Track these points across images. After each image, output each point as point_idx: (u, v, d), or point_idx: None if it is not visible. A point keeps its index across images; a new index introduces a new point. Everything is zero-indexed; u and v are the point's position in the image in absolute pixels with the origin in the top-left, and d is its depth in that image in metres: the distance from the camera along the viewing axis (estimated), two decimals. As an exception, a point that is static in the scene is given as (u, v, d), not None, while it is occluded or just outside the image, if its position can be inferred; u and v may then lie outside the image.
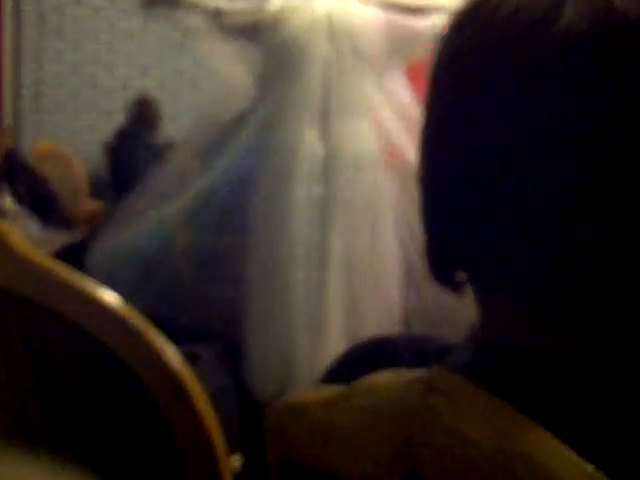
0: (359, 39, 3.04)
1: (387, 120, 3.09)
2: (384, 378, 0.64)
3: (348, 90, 3.03)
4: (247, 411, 1.99)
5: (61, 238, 4.42)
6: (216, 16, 3.21)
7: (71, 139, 6.75)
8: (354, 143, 3.01)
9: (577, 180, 0.57)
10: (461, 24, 0.66)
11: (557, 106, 0.58)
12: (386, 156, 3.08)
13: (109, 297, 1.15)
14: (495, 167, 0.60)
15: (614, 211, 0.57)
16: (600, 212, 0.57)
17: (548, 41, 0.58)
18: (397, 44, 3.11)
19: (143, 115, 6.37)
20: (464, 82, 0.64)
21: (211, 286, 3.14)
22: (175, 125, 6.55)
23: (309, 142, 2.96)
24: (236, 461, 1.51)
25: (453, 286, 0.69)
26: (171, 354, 1.14)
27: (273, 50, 3.06)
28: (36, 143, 6.30)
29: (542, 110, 0.58)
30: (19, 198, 4.71)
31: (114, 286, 1.17)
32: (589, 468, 0.52)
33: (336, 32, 3.02)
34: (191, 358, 1.99)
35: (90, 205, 6.11)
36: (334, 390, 0.69)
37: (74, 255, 3.73)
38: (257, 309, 2.98)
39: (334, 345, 2.75)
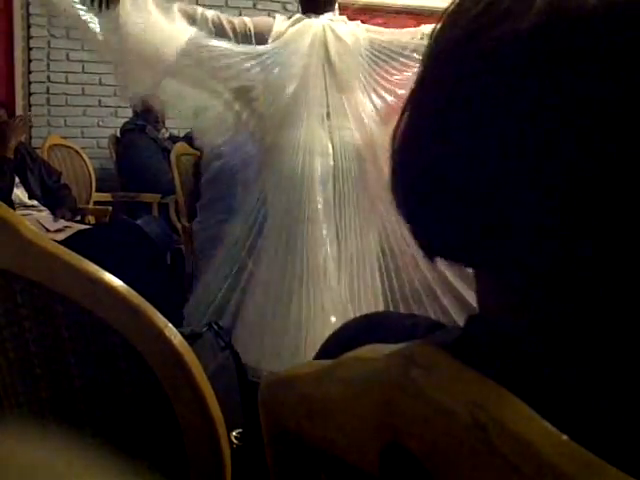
0: (348, 48, 3.17)
1: (371, 121, 3.22)
2: (368, 351, 0.63)
3: (345, 93, 3.14)
4: (247, 389, 1.99)
5: (71, 229, 4.43)
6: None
7: (79, 134, 6.75)
8: (356, 138, 3.11)
9: (548, 153, 0.56)
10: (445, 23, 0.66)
11: (519, 89, 0.58)
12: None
13: (112, 279, 1.15)
14: (471, 151, 0.60)
15: (586, 188, 0.56)
16: (571, 190, 0.56)
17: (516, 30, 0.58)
18: (377, 56, 3.25)
19: (149, 110, 6.36)
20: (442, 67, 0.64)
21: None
22: (179, 121, 6.56)
23: (321, 138, 3.05)
24: (235, 437, 1.51)
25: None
26: (171, 332, 1.14)
27: (279, 63, 3.13)
28: (47, 138, 6.30)
29: (506, 92, 0.58)
30: (31, 191, 4.71)
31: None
32: (563, 437, 0.51)
33: (329, 44, 3.15)
34: (192, 337, 1.99)
35: (97, 197, 6.12)
36: (322, 363, 0.69)
37: (83, 243, 3.74)
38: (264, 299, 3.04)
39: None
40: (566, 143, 0.56)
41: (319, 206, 3.01)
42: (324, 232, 3.00)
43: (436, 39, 0.67)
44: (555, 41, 0.56)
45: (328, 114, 3.11)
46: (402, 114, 0.68)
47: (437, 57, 0.66)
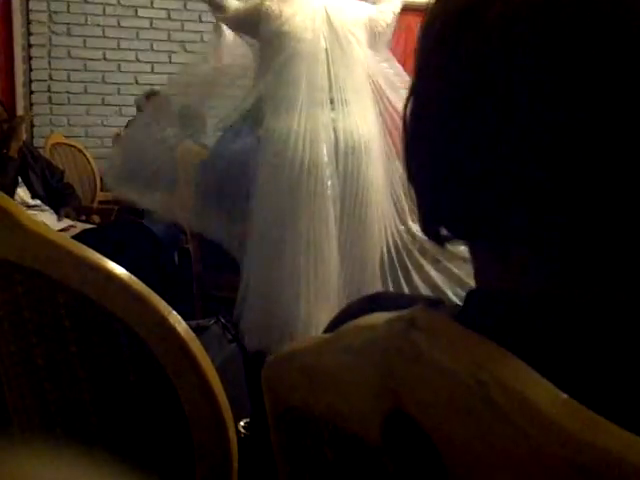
0: (353, 29, 3.12)
1: (388, 103, 3.17)
2: (367, 320, 0.64)
3: (350, 77, 3.08)
4: (254, 379, 1.99)
5: (76, 229, 4.44)
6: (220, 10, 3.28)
7: (82, 133, 6.77)
8: (359, 126, 3.07)
9: (546, 128, 0.58)
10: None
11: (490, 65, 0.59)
12: (388, 137, 3.15)
13: (114, 267, 1.16)
14: (467, 127, 0.62)
15: (585, 160, 0.57)
16: (569, 163, 0.57)
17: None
18: (375, 31, 3.22)
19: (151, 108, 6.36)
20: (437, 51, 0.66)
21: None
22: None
23: (323, 125, 3.01)
24: (243, 427, 1.52)
25: (439, 240, 0.71)
26: (175, 319, 1.14)
27: (276, 42, 3.10)
28: (49, 136, 6.32)
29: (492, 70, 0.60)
30: (34, 191, 4.72)
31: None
32: (564, 395, 0.52)
33: (333, 24, 3.08)
34: (199, 330, 2.00)
35: (102, 196, 6.13)
36: (322, 336, 0.70)
37: (88, 242, 3.75)
38: (260, 280, 3.02)
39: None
40: (568, 117, 0.57)
41: (314, 195, 2.99)
42: (313, 226, 2.99)
43: (428, 21, 0.68)
44: (558, 17, 0.57)
45: (332, 100, 3.07)
46: (410, 94, 0.70)
47: (433, 39, 0.67)
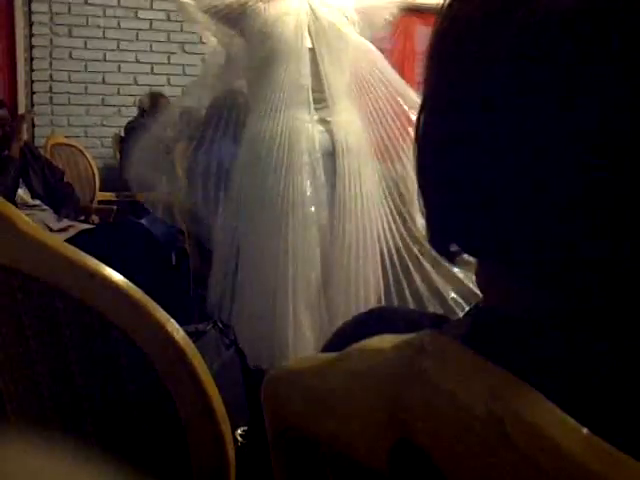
0: (342, 26, 3.05)
1: (376, 108, 3.11)
2: (374, 343, 0.61)
3: (340, 76, 3.02)
4: (252, 386, 1.97)
5: (75, 228, 4.41)
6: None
7: (82, 133, 6.75)
8: (352, 124, 3.01)
9: (562, 149, 0.54)
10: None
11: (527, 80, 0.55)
12: (375, 142, 3.10)
13: (112, 274, 1.13)
14: (487, 145, 0.58)
15: (599, 182, 0.54)
16: (584, 184, 0.54)
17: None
18: (364, 24, 3.15)
19: (154, 109, 6.34)
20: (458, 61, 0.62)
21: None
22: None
23: (307, 126, 2.94)
24: (240, 434, 1.49)
25: (449, 256, 0.68)
26: (173, 327, 1.11)
27: (257, 41, 3.02)
28: (50, 137, 6.29)
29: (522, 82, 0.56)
30: (34, 191, 4.69)
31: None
32: (584, 430, 0.48)
33: (321, 21, 3.01)
34: (196, 335, 1.97)
35: (101, 196, 6.11)
36: (327, 356, 0.66)
37: (87, 242, 3.72)
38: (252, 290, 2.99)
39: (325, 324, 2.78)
40: (594, 128, 0.53)
41: (299, 196, 2.91)
42: (299, 228, 2.92)
43: (444, 26, 0.64)
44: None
45: (320, 99, 2.98)
46: (423, 105, 0.66)
47: (451, 44, 0.63)
